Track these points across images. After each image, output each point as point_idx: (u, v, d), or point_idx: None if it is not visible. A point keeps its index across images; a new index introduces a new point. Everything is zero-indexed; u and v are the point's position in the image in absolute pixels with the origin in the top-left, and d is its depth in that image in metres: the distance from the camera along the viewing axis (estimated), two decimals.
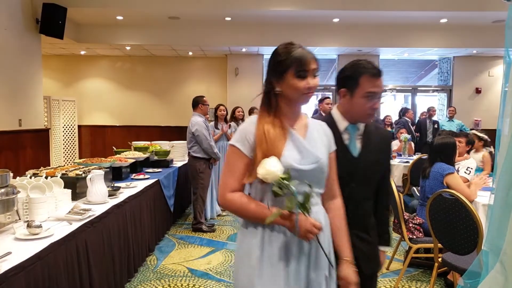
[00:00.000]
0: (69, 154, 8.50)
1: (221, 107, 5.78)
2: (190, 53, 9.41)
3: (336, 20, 7.44)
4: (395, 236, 4.61)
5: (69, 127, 8.61)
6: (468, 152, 4.00)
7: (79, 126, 9.27)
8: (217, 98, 9.37)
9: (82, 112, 9.71)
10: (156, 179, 4.23)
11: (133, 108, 9.91)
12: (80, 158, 8.64)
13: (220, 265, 3.80)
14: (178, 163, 5.47)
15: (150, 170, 4.75)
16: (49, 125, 7.67)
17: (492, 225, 1.76)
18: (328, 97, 5.79)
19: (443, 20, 7.29)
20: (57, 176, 2.89)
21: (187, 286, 3.32)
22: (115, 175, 4.01)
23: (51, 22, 6.10)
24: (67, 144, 8.49)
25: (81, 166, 3.47)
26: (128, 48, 8.72)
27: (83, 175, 3.09)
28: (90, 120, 9.97)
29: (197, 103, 4.81)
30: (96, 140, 9.96)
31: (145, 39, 8.05)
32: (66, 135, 8.49)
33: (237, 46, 8.43)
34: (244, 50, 8.89)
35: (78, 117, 9.05)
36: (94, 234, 2.60)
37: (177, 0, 6.58)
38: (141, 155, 4.72)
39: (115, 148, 5.15)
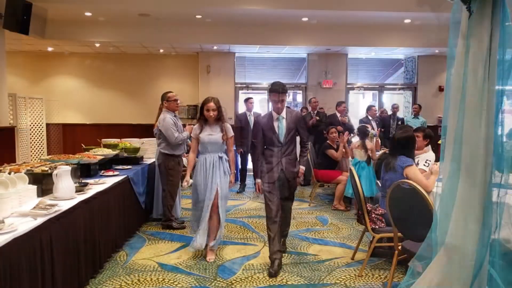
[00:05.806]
0: (36, 152, 8.30)
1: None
2: (161, 51, 9.35)
3: (305, 19, 7.59)
4: (359, 227, 4.78)
5: (37, 125, 8.40)
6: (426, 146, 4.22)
7: (48, 124, 9.04)
8: (189, 95, 9.39)
9: (51, 110, 9.47)
10: (125, 176, 4.23)
11: (104, 106, 9.76)
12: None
13: (190, 259, 3.84)
14: (149, 160, 5.45)
15: (119, 167, 4.73)
16: (14, 123, 7.46)
17: (441, 212, 1.90)
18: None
19: (407, 21, 7.57)
20: (21, 172, 2.86)
21: (156, 280, 3.35)
22: (84, 172, 3.98)
23: (15, 17, 5.94)
24: (34, 142, 8.29)
25: (48, 163, 3.44)
26: (97, 45, 8.58)
27: (49, 171, 3.07)
28: (59, 118, 9.73)
29: (162, 99, 4.85)
30: (66, 139, 9.74)
31: (114, 36, 7.94)
32: (34, 133, 8.29)
33: (208, 44, 8.46)
34: (215, 48, 8.92)
35: (46, 115, 8.84)
36: (60, 229, 2.61)
37: None
38: (110, 152, 4.69)
39: (84, 146, 5.09)
